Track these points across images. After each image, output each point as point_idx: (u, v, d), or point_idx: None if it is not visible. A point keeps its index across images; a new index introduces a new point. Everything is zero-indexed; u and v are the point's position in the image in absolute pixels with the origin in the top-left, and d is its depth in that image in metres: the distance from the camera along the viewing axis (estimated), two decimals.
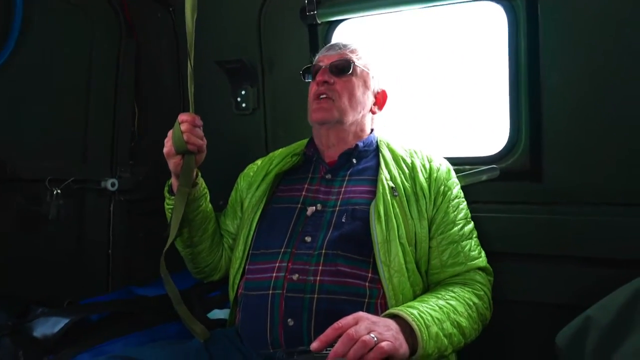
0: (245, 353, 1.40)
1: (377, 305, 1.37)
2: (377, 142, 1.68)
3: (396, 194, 1.48)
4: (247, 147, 2.33)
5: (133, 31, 2.20)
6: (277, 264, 1.42)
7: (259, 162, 1.81)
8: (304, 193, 1.58)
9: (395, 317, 1.20)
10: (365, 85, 1.63)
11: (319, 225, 1.47)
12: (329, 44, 1.73)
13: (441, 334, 1.22)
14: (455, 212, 1.52)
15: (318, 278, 1.36)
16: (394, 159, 1.59)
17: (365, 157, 1.63)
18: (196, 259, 1.69)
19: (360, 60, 1.63)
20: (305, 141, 1.77)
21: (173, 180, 1.55)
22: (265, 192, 1.63)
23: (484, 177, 1.80)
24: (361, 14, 2.04)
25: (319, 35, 2.13)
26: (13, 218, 1.78)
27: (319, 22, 2.08)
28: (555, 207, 1.72)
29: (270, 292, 1.38)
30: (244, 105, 2.29)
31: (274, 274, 1.40)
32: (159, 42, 2.40)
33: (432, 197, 1.52)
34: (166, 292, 1.49)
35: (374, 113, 1.70)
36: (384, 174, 1.52)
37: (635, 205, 1.62)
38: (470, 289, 1.43)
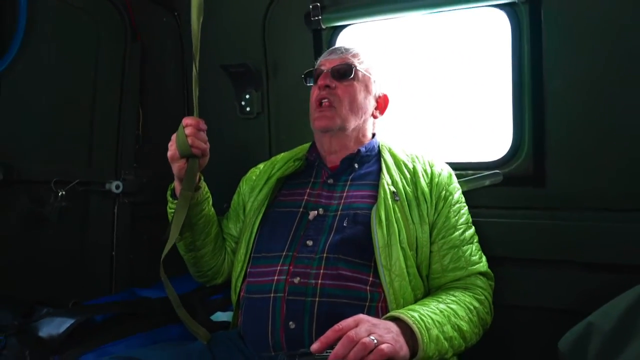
0: (248, 355, 1.40)
1: (378, 309, 1.38)
2: (379, 146, 1.68)
3: (397, 198, 1.49)
4: (250, 151, 2.34)
5: (138, 35, 2.21)
6: (279, 267, 1.43)
7: (261, 166, 1.82)
8: (306, 197, 1.58)
9: (396, 320, 1.21)
10: (367, 89, 1.64)
11: (320, 230, 1.48)
12: (331, 48, 1.73)
13: (442, 337, 1.22)
14: (457, 217, 1.53)
15: (319, 281, 1.37)
16: (395, 164, 1.60)
17: (367, 162, 1.63)
18: (199, 263, 1.69)
19: (362, 65, 1.63)
20: (307, 145, 1.78)
21: (176, 184, 1.56)
22: (267, 196, 1.64)
23: (487, 182, 1.81)
24: (365, 19, 2.06)
25: (323, 40, 2.14)
26: (19, 219, 1.79)
27: (323, 27, 2.09)
28: (557, 213, 1.72)
29: (272, 295, 1.38)
30: (248, 109, 2.30)
31: (276, 277, 1.41)
32: (164, 46, 2.41)
33: (434, 201, 1.52)
34: None
35: (375, 117, 1.71)
36: (386, 178, 1.53)
37: (637, 211, 1.62)
38: (471, 294, 1.43)
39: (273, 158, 1.83)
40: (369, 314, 1.32)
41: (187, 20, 2.25)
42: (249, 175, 1.83)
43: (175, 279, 1.76)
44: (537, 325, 1.71)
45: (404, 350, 1.14)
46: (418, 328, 1.18)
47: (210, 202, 1.66)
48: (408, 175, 1.56)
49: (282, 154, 1.83)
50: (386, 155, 1.62)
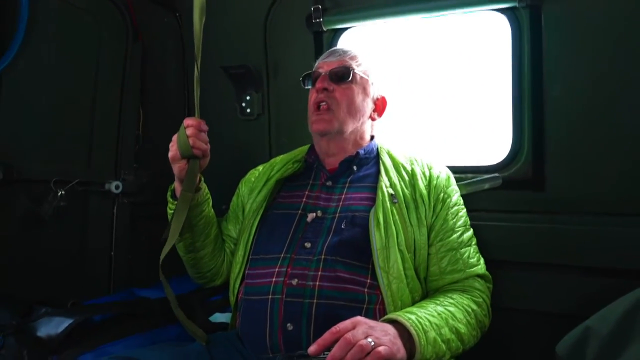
0: (246, 356, 1.40)
1: (376, 311, 1.38)
2: (377, 149, 1.68)
3: (396, 201, 1.49)
4: (250, 153, 2.34)
5: (139, 35, 2.21)
6: (277, 269, 1.43)
7: (260, 168, 1.82)
8: (304, 199, 1.58)
9: (393, 322, 1.21)
10: (365, 92, 1.64)
11: (318, 232, 1.48)
12: (328, 50, 1.73)
13: (439, 340, 1.23)
14: (455, 220, 1.53)
15: (317, 283, 1.37)
16: (394, 166, 1.60)
17: (365, 164, 1.64)
18: (198, 264, 1.69)
19: (359, 67, 1.63)
20: (306, 147, 1.78)
21: (176, 185, 1.56)
22: (265, 198, 1.64)
23: (487, 186, 1.81)
24: (366, 22, 2.06)
25: (324, 42, 2.15)
26: (18, 219, 1.79)
27: (324, 29, 2.10)
28: (556, 217, 1.72)
29: (270, 296, 1.38)
30: (248, 110, 2.30)
31: (274, 279, 1.41)
32: (165, 47, 2.42)
33: (432, 204, 1.53)
34: None
35: (373, 120, 1.71)
36: (384, 181, 1.53)
37: (636, 216, 1.62)
38: (469, 296, 1.43)
39: (272, 160, 1.83)
40: (366, 316, 1.32)
41: (188, 21, 2.25)
42: (248, 177, 1.83)
43: (174, 279, 1.76)
44: (536, 329, 1.71)
45: (401, 352, 1.14)
46: (415, 330, 1.18)
47: (210, 204, 1.66)
48: (406, 178, 1.57)
49: (281, 155, 1.84)
50: (385, 158, 1.63)
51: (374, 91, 1.68)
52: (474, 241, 1.56)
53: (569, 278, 1.68)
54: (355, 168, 1.62)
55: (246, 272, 1.54)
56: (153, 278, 1.66)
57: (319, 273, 1.38)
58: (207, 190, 1.63)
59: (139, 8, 2.21)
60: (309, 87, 1.69)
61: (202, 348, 1.41)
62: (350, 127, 1.61)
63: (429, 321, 1.24)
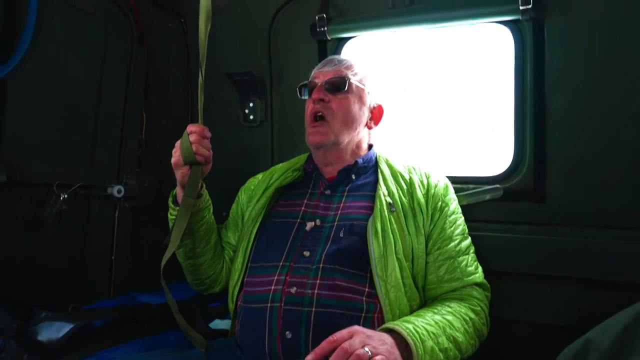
0: None
1: (374, 319, 1.38)
2: (376, 158, 1.69)
3: (394, 209, 1.49)
4: (253, 159, 2.35)
5: (144, 40, 2.23)
6: (276, 277, 1.43)
7: (259, 176, 1.83)
8: (303, 208, 1.59)
9: (391, 332, 1.21)
10: (361, 101, 1.64)
11: (317, 240, 1.48)
12: (324, 60, 1.73)
13: (437, 349, 1.23)
14: (452, 228, 1.53)
15: (316, 291, 1.37)
16: (392, 175, 1.60)
17: (364, 173, 1.64)
18: (197, 271, 1.69)
19: (355, 77, 1.63)
20: (305, 156, 1.78)
21: (178, 191, 1.56)
22: (264, 206, 1.64)
23: (488, 197, 1.81)
24: (370, 31, 2.08)
25: (328, 50, 2.16)
26: (20, 221, 1.79)
27: (328, 38, 2.11)
28: (558, 229, 1.72)
29: (269, 304, 1.38)
30: (251, 117, 2.31)
31: (273, 287, 1.41)
32: (170, 52, 2.43)
33: (430, 212, 1.53)
34: None
35: (370, 128, 1.71)
36: (382, 189, 1.53)
37: (637, 229, 1.62)
38: (466, 304, 1.43)
39: (272, 168, 1.84)
40: (364, 324, 1.32)
41: (193, 27, 2.27)
42: (248, 184, 1.83)
43: (174, 285, 1.76)
44: (535, 341, 1.71)
45: None
46: (413, 340, 1.18)
47: (211, 210, 1.67)
48: (405, 186, 1.57)
49: (281, 164, 1.84)
50: (383, 167, 1.63)
51: (371, 100, 1.68)
52: (472, 250, 1.57)
53: (569, 290, 1.67)
54: (353, 177, 1.62)
55: (245, 279, 1.54)
56: (153, 283, 1.66)
57: (318, 281, 1.38)
58: (208, 196, 1.63)
59: (144, 13, 2.22)
60: (305, 97, 1.69)
61: (201, 355, 1.41)
62: (346, 138, 1.61)
63: (427, 330, 1.24)
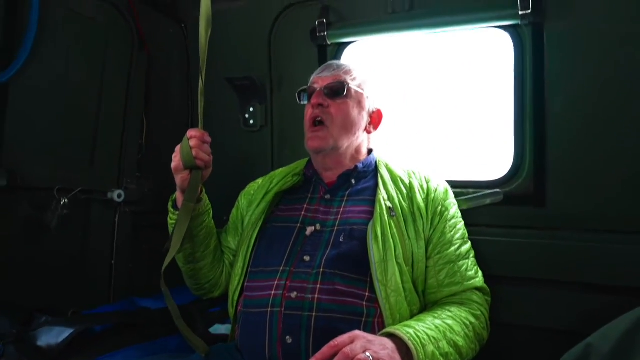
0: None
1: (375, 324, 1.37)
2: (376, 162, 1.69)
3: (394, 214, 1.49)
4: (253, 164, 2.35)
5: (145, 46, 2.23)
6: (276, 282, 1.43)
7: (259, 180, 1.83)
8: (303, 213, 1.59)
9: (392, 336, 1.21)
10: (360, 105, 1.64)
11: (317, 245, 1.48)
12: (323, 65, 1.73)
13: (437, 353, 1.23)
14: (452, 233, 1.53)
15: (316, 296, 1.37)
16: (392, 180, 1.60)
17: (364, 177, 1.64)
18: (197, 275, 1.69)
19: (354, 81, 1.64)
20: (304, 161, 1.78)
21: (178, 195, 1.57)
22: (264, 211, 1.64)
23: (488, 201, 1.81)
24: (370, 36, 2.08)
25: (328, 55, 2.17)
26: (21, 226, 1.79)
27: (329, 43, 2.11)
28: (558, 233, 1.72)
29: (269, 309, 1.38)
30: (251, 122, 2.31)
31: (273, 292, 1.41)
32: (170, 58, 2.44)
33: (430, 217, 1.53)
34: None
35: (369, 132, 1.71)
36: (382, 194, 1.53)
37: (637, 234, 1.62)
38: (467, 309, 1.43)
39: (272, 173, 1.84)
40: (365, 329, 1.32)
41: (193, 32, 2.28)
42: (248, 189, 1.83)
43: (174, 290, 1.76)
44: (536, 345, 1.70)
45: None
46: (414, 344, 1.18)
47: (211, 215, 1.67)
48: (404, 191, 1.57)
49: (281, 169, 1.84)
50: (383, 171, 1.63)
51: (370, 104, 1.68)
52: (472, 254, 1.57)
53: (569, 294, 1.67)
54: (353, 181, 1.62)
55: (245, 284, 1.54)
56: (153, 287, 1.66)
57: (318, 286, 1.38)
58: (208, 201, 1.63)
59: (145, 18, 2.23)
60: (305, 102, 1.70)
61: None
62: (345, 143, 1.61)
63: (427, 335, 1.24)
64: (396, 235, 1.46)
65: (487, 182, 1.89)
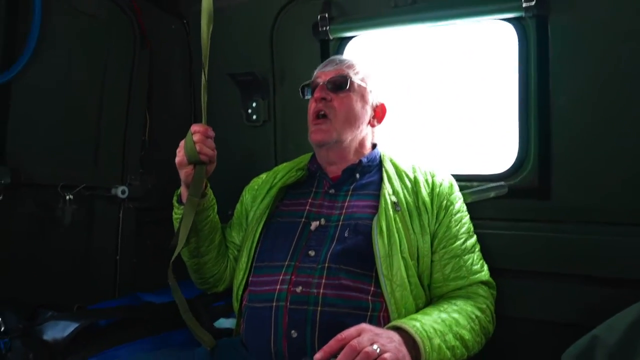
0: None
1: (380, 318, 1.38)
2: (380, 157, 1.69)
3: (398, 208, 1.49)
4: (256, 159, 2.35)
5: (147, 41, 2.23)
6: (281, 277, 1.43)
7: (263, 175, 1.83)
8: (307, 207, 1.59)
9: (398, 330, 1.21)
10: (364, 99, 1.64)
11: (322, 240, 1.48)
12: (327, 60, 1.74)
13: (444, 347, 1.23)
14: (458, 227, 1.53)
15: (321, 291, 1.37)
16: (397, 174, 1.60)
17: (368, 172, 1.64)
18: (202, 269, 1.69)
19: (357, 75, 1.64)
20: (308, 155, 1.78)
21: (183, 190, 1.57)
22: (268, 206, 1.64)
23: (492, 194, 1.81)
24: (373, 30, 2.07)
25: (331, 50, 2.16)
26: (25, 223, 1.80)
27: (331, 37, 2.11)
28: (562, 226, 1.72)
29: (274, 304, 1.39)
30: (254, 117, 2.31)
31: (278, 287, 1.41)
32: (172, 53, 2.44)
33: (435, 211, 1.53)
34: (173, 299, 1.51)
35: (373, 126, 1.71)
36: (387, 188, 1.53)
37: None
38: (472, 302, 1.43)
39: (276, 167, 1.84)
40: (370, 323, 1.32)
41: (196, 28, 2.26)
42: (252, 184, 1.83)
43: (178, 284, 1.76)
44: (540, 338, 1.70)
45: (407, 359, 1.14)
46: (420, 338, 1.18)
47: (216, 209, 1.67)
48: (409, 185, 1.57)
49: (285, 163, 1.84)
50: (387, 165, 1.63)
51: (373, 98, 1.68)
52: (478, 248, 1.56)
53: (573, 287, 1.67)
54: (358, 176, 1.62)
55: (250, 279, 1.54)
56: (158, 282, 1.66)
57: (323, 281, 1.39)
58: (212, 195, 1.63)
59: (147, 14, 2.23)
60: (308, 97, 1.70)
61: (206, 354, 1.42)
62: (349, 136, 1.61)
63: (434, 328, 1.24)
64: (401, 229, 1.46)
65: (492, 175, 1.88)
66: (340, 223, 1.50)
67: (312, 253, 1.45)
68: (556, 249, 1.70)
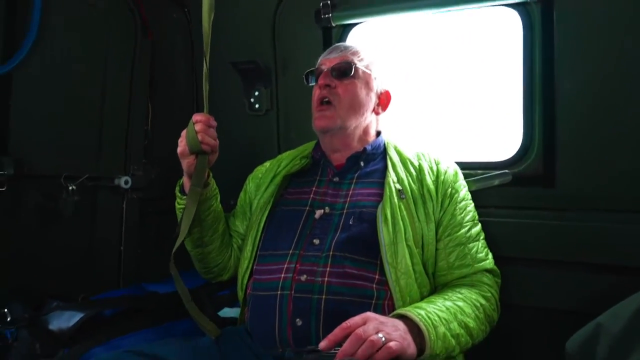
0: (256, 351, 1.41)
1: (385, 306, 1.38)
2: (384, 144, 1.68)
3: (403, 196, 1.49)
4: (259, 148, 2.35)
5: (148, 31, 2.22)
6: (286, 265, 1.43)
7: (267, 164, 1.82)
8: (312, 196, 1.59)
9: (403, 318, 1.21)
10: (368, 86, 1.63)
11: (327, 228, 1.48)
12: (331, 47, 1.72)
13: (449, 335, 1.23)
14: (463, 215, 1.52)
15: (326, 279, 1.37)
16: (401, 162, 1.60)
17: (373, 159, 1.63)
18: (206, 259, 1.70)
19: (362, 62, 1.63)
20: (312, 143, 1.78)
21: (185, 180, 1.57)
22: (272, 194, 1.64)
23: (497, 182, 1.80)
24: (376, 17, 2.05)
25: (333, 37, 2.14)
26: (28, 214, 1.80)
27: (333, 25, 2.09)
28: (567, 213, 1.71)
29: (279, 292, 1.39)
30: (257, 106, 2.30)
31: (283, 275, 1.41)
32: (174, 42, 2.43)
33: (440, 199, 1.52)
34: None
35: (377, 114, 1.69)
36: (391, 176, 1.53)
37: None
38: (477, 291, 1.43)
39: (279, 156, 1.84)
40: (375, 311, 1.32)
41: (197, 17, 2.24)
42: (255, 173, 1.83)
43: (182, 273, 1.77)
44: (545, 326, 1.70)
45: (412, 347, 1.14)
46: (425, 326, 1.18)
47: (219, 199, 1.67)
48: (414, 173, 1.56)
49: (289, 151, 1.84)
50: (392, 153, 1.62)
51: (377, 85, 1.67)
52: (482, 236, 1.56)
53: (578, 275, 1.66)
54: (362, 164, 1.61)
55: (255, 267, 1.54)
56: (162, 273, 1.67)
57: (328, 269, 1.38)
58: (215, 185, 1.63)
59: (148, 4, 2.21)
60: (313, 84, 1.69)
61: (211, 343, 1.42)
62: (353, 123, 1.60)
63: (438, 316, 1.24)
64: (406, 217, 1.45)
65: (496, 163, 1.88)
66: (345, 211, 1.50)
67: (316, 241, 1.45)
68: (561, 236, 1.69)
